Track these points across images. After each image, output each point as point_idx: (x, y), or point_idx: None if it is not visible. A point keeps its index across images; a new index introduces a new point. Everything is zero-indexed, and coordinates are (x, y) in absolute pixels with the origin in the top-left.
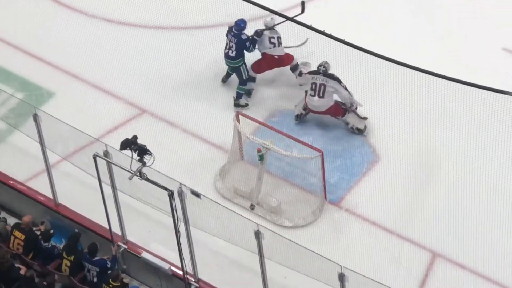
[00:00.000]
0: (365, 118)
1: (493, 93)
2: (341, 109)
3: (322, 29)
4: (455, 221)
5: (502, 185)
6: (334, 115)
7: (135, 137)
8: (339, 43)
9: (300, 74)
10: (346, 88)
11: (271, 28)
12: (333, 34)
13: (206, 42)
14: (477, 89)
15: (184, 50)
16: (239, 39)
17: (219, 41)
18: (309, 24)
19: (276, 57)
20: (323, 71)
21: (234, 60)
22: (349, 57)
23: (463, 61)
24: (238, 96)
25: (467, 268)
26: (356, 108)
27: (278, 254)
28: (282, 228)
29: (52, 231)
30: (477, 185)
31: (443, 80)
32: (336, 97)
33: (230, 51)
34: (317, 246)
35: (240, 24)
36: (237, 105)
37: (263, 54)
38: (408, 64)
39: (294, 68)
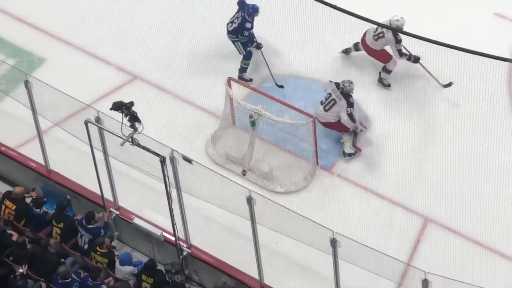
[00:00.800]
0: (359, 150)
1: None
2: (345, 127)
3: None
4: (447, 186)
5: (494, 152)
6: (338, 130)
7: (131, 103)
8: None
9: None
10: (351, 115)
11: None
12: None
13: (200, 10)
14: (473, 56)
15: (177, 17)
16: (242, 23)
17: (213, 9)
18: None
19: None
20: (341, 88)
21: (230, 34)
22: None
23: (455, 27)
24: (241, 70)
25: (458, 233)
26: (361, 130)
27: (270, 220)
28: (274, 193)
29: (45, 199)
30: (468, 152)
31: (439, 47)
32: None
33: (229, 25)
34: (309, 212)
35: (249, 9)
36: (240, 77)
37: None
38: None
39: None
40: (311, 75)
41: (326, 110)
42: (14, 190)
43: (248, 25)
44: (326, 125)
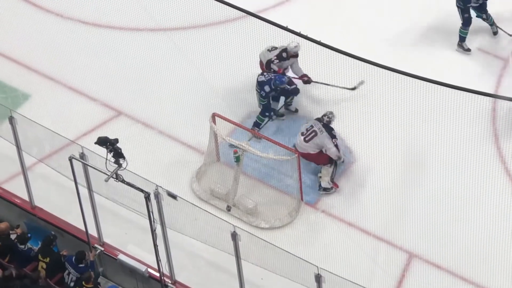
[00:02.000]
0: (336, 186)
1: (468, 93)
2: (325, 158)
3: (298, 30)
4: (431, 222)
5: (476, 187)
6: (316, 163)
7: (116, 140)
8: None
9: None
10: (336, 145)
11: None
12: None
13: (182, 44)
14: (454, 90)
15: (160, 51)
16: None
17: (195, 42)
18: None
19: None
20: (326, 121)
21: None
22: (323, 57)
23: (439, 61)
24: (255, 124)
25: (443, 268)
26: (343, 161)
27: (254, 255)
28: (258, 229)
29: (29, 235)
30: (452, 186)
31: (418, 80)
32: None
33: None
34: (293, 247)
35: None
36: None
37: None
38: (385, 65)
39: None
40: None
41: (306, 141)
42: None
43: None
44: (305, 156)
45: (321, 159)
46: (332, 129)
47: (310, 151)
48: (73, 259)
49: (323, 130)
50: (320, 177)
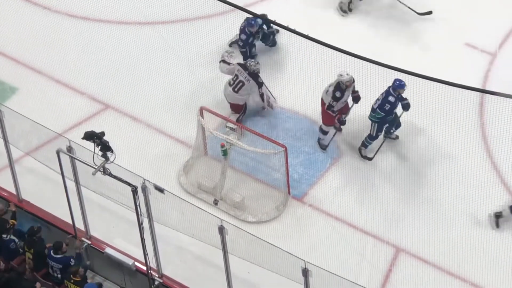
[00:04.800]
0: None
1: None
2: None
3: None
4: (418, 216)
5: (464, 180)
6: (235, 111)
7: (102, 133)
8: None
9: (226, 62)
10: (262, 95)
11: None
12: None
13: (169, 37)
14: (443, 85)
15: (147, 45)
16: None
17: (182, 36)
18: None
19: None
20: (251, 70)
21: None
22: (314, 53)
23: (426, 56)
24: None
25: (430, 263)
26: (271, 106)
27: (241, 249)
28: (245, 223)
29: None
30: (439, 181)
31: (411, 76)
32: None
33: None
34: (280, 241)
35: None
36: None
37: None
38: (375, 60)
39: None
40: (281, 104)
41: (235, 92)
42: None
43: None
44: (234, 107)
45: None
46: (258, 76)
47: (239, 101)
48: (51, 251)
49: (249, 80)
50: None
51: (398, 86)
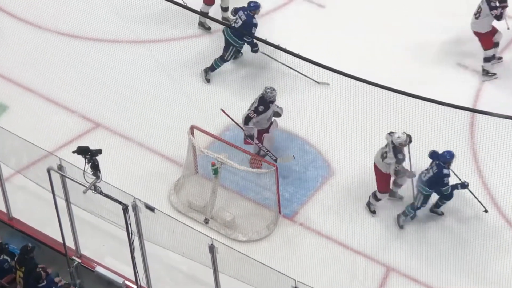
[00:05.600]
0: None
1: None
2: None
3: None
4: (408, 235)
5: (455, 200)
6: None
7: (99, 151)
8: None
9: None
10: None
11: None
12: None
13: (160, 56)
14: (434, 104)
15: (138, 64)
16: (249, 20)
17: (173, 55)
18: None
19: None
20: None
21: (232, 36)
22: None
23: (418, 76)
24: (211, 68)
25: (420, 282)
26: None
27: (232, 268)
28: (236, 242)
29: (6, 245)
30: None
31: (400, 95)
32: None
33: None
34: (271, 260)
35: (251, 6)
36: (206, 71)
37: None
38: (364, 79)
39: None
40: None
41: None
42: None
43: (255, 21)
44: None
45: None
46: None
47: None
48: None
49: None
50: None
51: (449, 158)
